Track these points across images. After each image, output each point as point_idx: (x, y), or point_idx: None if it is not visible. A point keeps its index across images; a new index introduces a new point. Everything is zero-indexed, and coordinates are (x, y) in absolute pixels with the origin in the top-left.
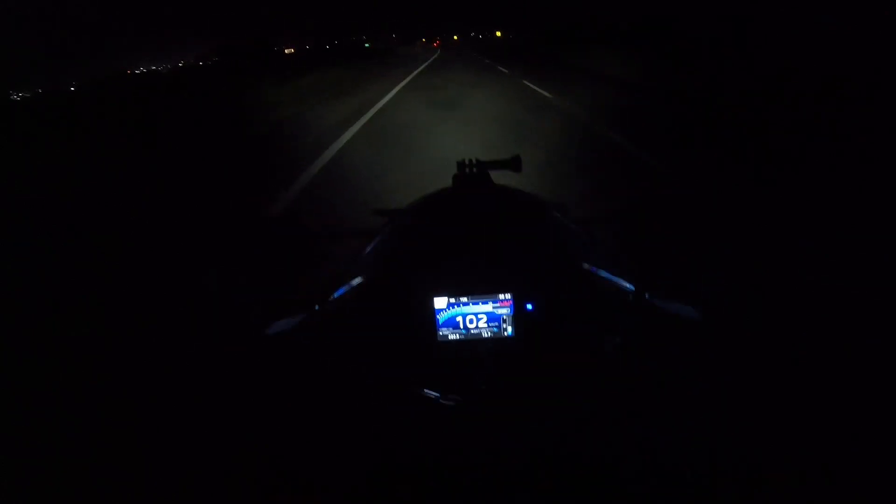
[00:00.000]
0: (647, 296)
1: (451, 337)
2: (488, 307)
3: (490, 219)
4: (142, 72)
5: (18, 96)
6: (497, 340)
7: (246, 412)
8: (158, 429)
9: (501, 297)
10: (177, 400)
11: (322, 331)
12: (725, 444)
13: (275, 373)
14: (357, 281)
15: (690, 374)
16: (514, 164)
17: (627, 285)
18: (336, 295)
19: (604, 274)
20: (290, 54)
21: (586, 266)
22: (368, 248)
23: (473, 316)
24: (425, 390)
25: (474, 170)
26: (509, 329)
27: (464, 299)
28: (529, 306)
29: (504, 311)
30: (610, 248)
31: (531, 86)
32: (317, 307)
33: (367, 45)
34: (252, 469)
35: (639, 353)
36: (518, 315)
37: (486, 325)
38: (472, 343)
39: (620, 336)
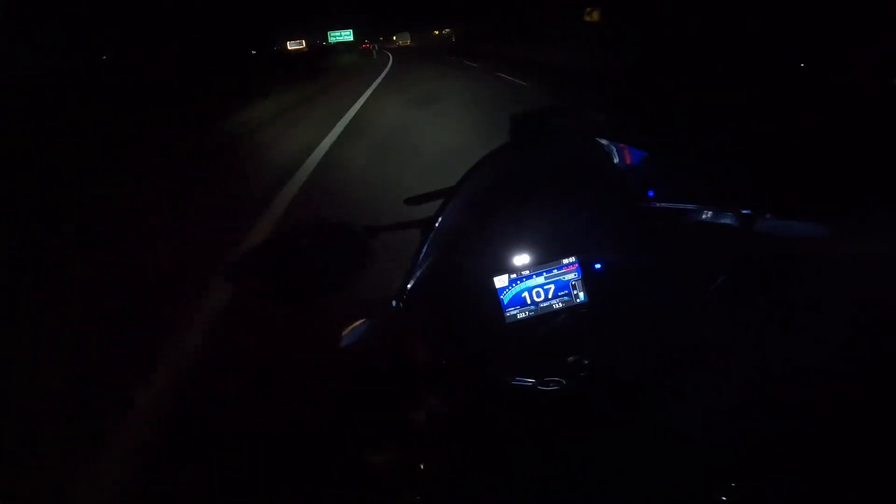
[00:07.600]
0: (757, 218)
1: (521, 316)
2: (553, 276)
3: (540, 178)
4: None
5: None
6: (570, 310)
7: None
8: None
9: (565, 262)
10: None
11: (403, 329)
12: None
13: (365, 381)
14: (419, 273)
15: (822, 319)
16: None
17: (727, 213)
18: (408, 288)
19: (689, 206)
20: None
21: (662, 203)
22: (431, 234)
23: (540, 288)
24: (518, 378)
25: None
26: (581, 295)
27: (525, 273)
28: (598, 265)
29: (572, 277)
30: (705, 174)
31: None
32: (394, 303)
33: None
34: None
35: (750, 293)
36: (588, 277)
37: (555, 296)
38: (544, 318)
39: (722, 275)
